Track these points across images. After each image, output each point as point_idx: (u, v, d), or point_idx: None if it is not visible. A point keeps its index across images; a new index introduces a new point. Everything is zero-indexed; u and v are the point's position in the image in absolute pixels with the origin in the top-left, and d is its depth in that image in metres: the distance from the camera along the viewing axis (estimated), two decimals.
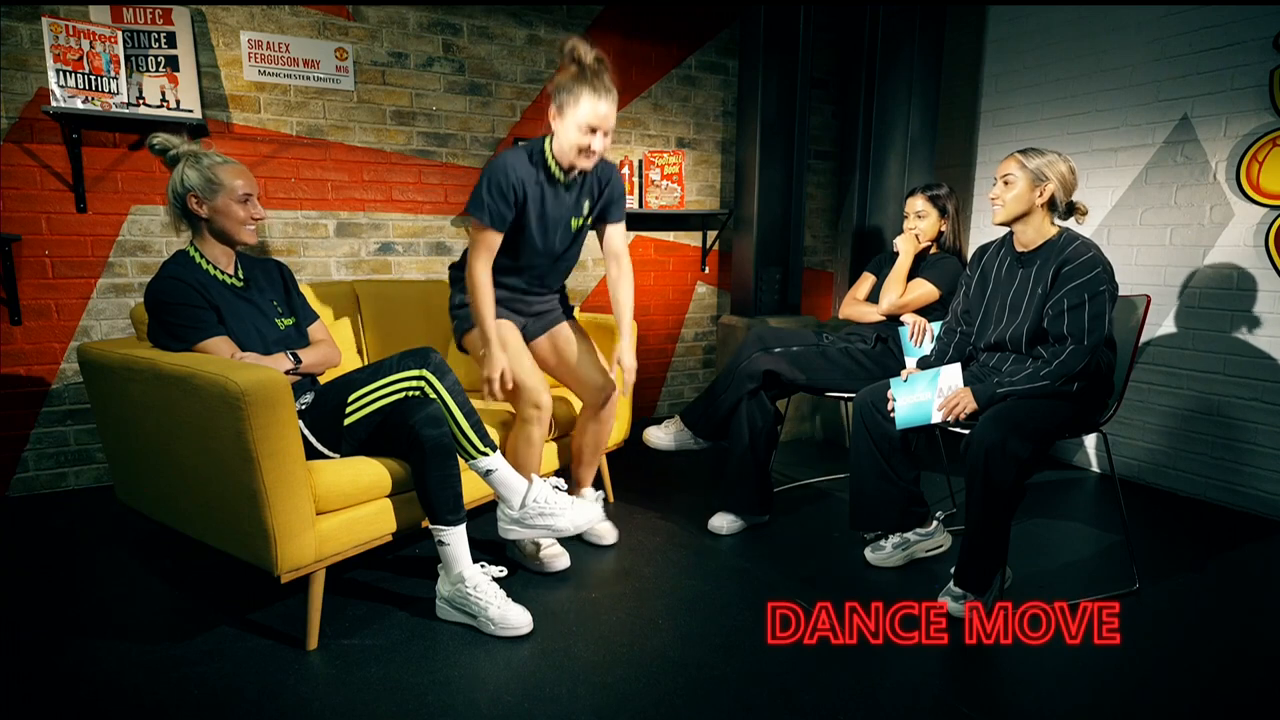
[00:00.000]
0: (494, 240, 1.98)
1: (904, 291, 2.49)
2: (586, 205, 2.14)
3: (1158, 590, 2.07)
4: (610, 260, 2.26)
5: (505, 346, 2.02)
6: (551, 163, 2.00)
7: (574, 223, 2.13)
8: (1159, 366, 2.95)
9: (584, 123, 1.89)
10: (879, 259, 2.78)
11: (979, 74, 3.61)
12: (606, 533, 2.36)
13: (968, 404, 1.92)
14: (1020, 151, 1.98)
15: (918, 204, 2.57)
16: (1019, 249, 2.04)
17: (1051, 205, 1.97)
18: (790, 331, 2.53)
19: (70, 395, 2.71)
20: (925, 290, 2.47)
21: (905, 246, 2.56)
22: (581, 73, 1.88)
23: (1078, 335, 1.86)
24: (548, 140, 2.01)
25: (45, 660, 1.67)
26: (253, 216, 1.84)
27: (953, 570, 1.93)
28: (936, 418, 1.96)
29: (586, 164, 1.96)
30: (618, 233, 2.23)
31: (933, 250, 2.60)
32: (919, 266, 2.57)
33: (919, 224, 2.56)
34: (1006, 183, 1.97)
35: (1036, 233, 1.99)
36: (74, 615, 1.87)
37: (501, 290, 2.11)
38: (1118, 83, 3.03)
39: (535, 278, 2.17)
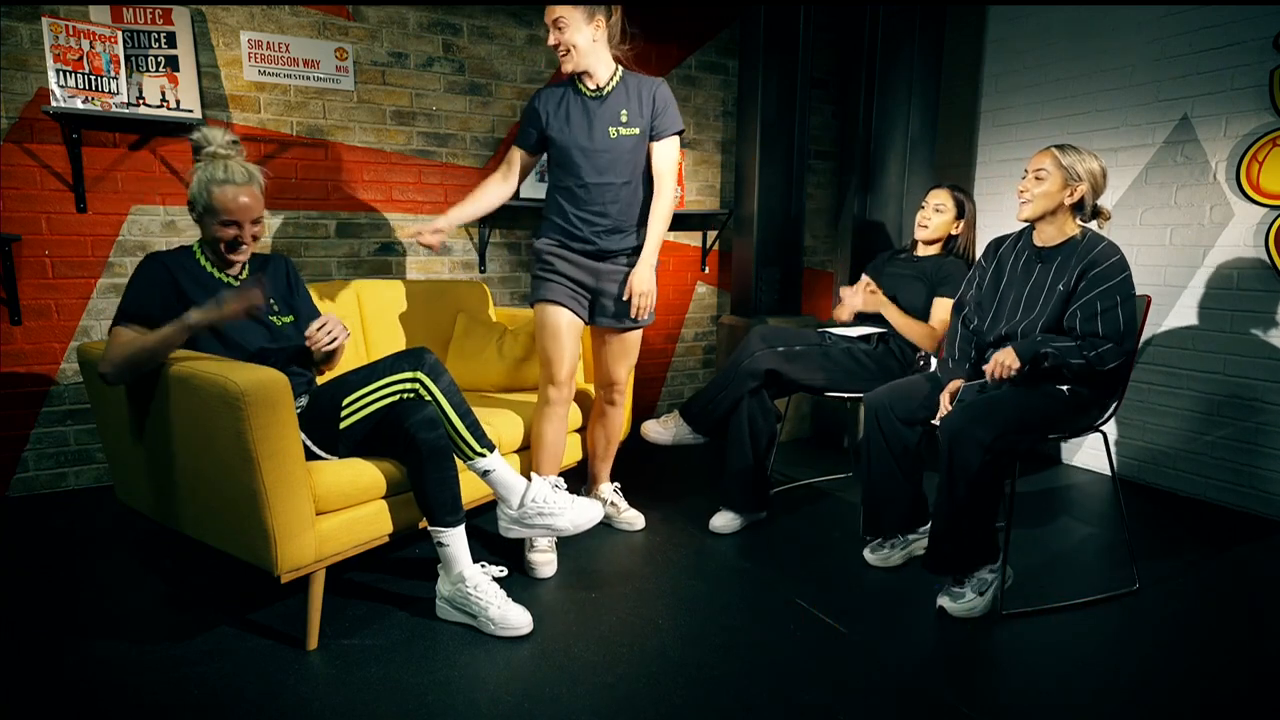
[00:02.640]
0: (513, 155, 2.21)
1: (931, 327, 2.44)
2: (625, 114, 2.10)
3: (1158, 590, 2.07)
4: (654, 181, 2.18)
5: (548, 323, 2.13)
6: (578, 82, 2.13)
7: (612, 131, 2.09)
8: (1159, 366, 2.96)
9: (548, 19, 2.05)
10: (874, 265, 2.75)
11: (979, 74, 3.61)
12: (635, 520, 2.48)
13: (1011, 362, 1.89)
14: (1057, 147, 1.96)
15: (940, 196, 2.52)
16: (1038, 244, 2.04)
17: (1078, 206, 1.96)
18: (792, 331, 2.52)
19: (70, 395, 2.71)
20: (948, 305, 2.40)
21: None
22: None
23: (1114, 336, 1.86)
24: None
25: (45, 660, 1.67)
26: (238, 238, 1.77)
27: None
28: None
29: (566, 66, 2.08)
30: (660, 149, 2.15)
31: (935, 251, 2.57)
32: (927, 274, 2.51)
33: (934, 217, 2.51)
34: (1039, 178, 1.96)
35: (1059, 231, 1.99)
36: (74, 615, 1.87)
37: (562, 253, 2.15)
38: (1118, 83, 3.03)
39: (593, 208, 2.12)
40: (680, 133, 2.19)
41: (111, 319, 1.78)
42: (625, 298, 2.18)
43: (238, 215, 1.76)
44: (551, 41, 2.06)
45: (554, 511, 1.89)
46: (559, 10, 2.01)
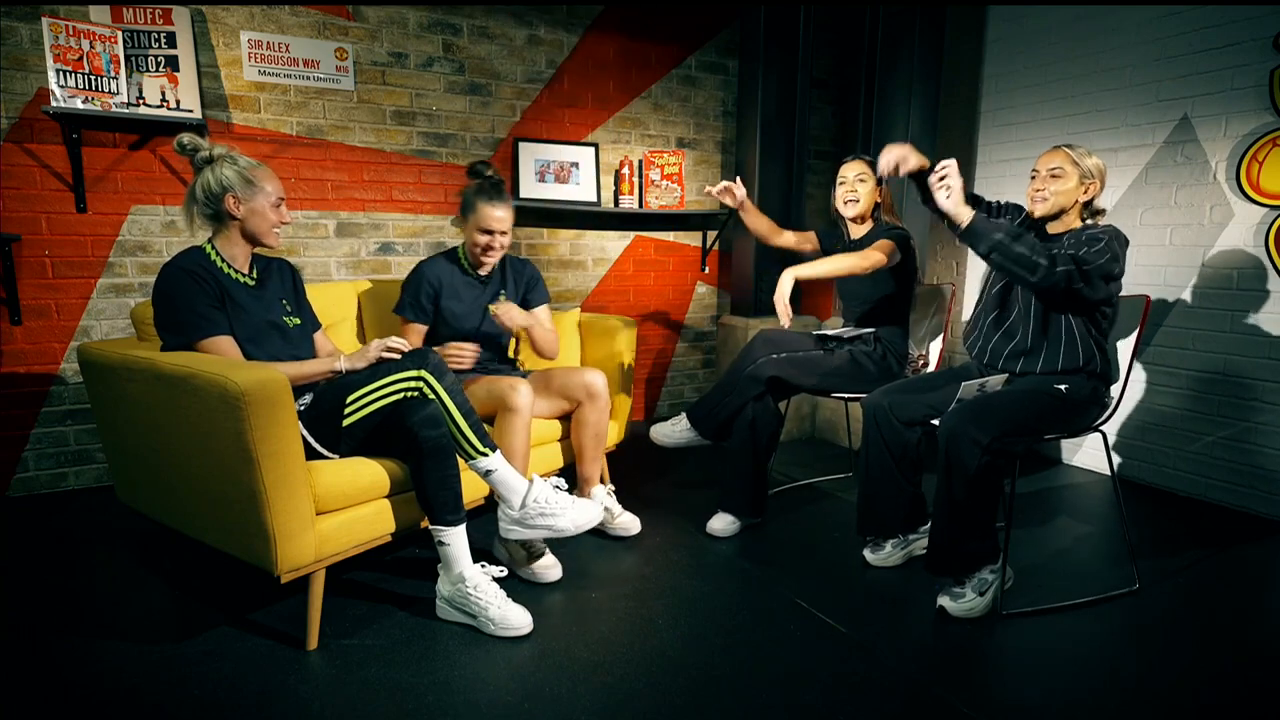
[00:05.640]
0: (411, 333, 2.35)
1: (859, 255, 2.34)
2: (501, 295, 2.41)
3: (1158, 590, 2.07)
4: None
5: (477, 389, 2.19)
6: (465, 262, 2.38)
7: (492, 309, 2.31)
8: (1159, 366, 2.95)
9: (482, 225, 2.23)
10: (824, 229, 2.73)
11: (979, 74, 3.61)
12: (631, 524, 2.42)
13: (910, 157, 1.93)
14: (1067, 146, 1.98)
15: (859, 166, 2.48)
16: (1050, 232, 2.07)
17: (1087, 204, 2.00)
18: (794, 336, 2.52)
19: (70, 395, 2.71)
20: (885, 246, 2.35)
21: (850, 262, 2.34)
22: (481, 189, 2.23)
23: (1061, 258, 1.83)
24: (460, 247, 2.40)
25: (45, 660, 1.67)
26: (282, 220, 1.87)
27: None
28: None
29: (488, 260, 2.32)
30: (541, 314, 2.48)
31: (867, 228, 2.52)
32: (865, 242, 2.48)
33: (860, 187, 2.47)
34: (1055, 175, 1.97)
35: (1064, 227, 2.03)
36: (74, 615, 1.87)
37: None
38: (1118, 83, 3.03)
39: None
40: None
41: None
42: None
43: (283, 192, 1.87)
44: (499, 244, 2.28)
45: (555, 512, 1.88)
46: (509, 221, 2.27)
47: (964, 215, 1.87)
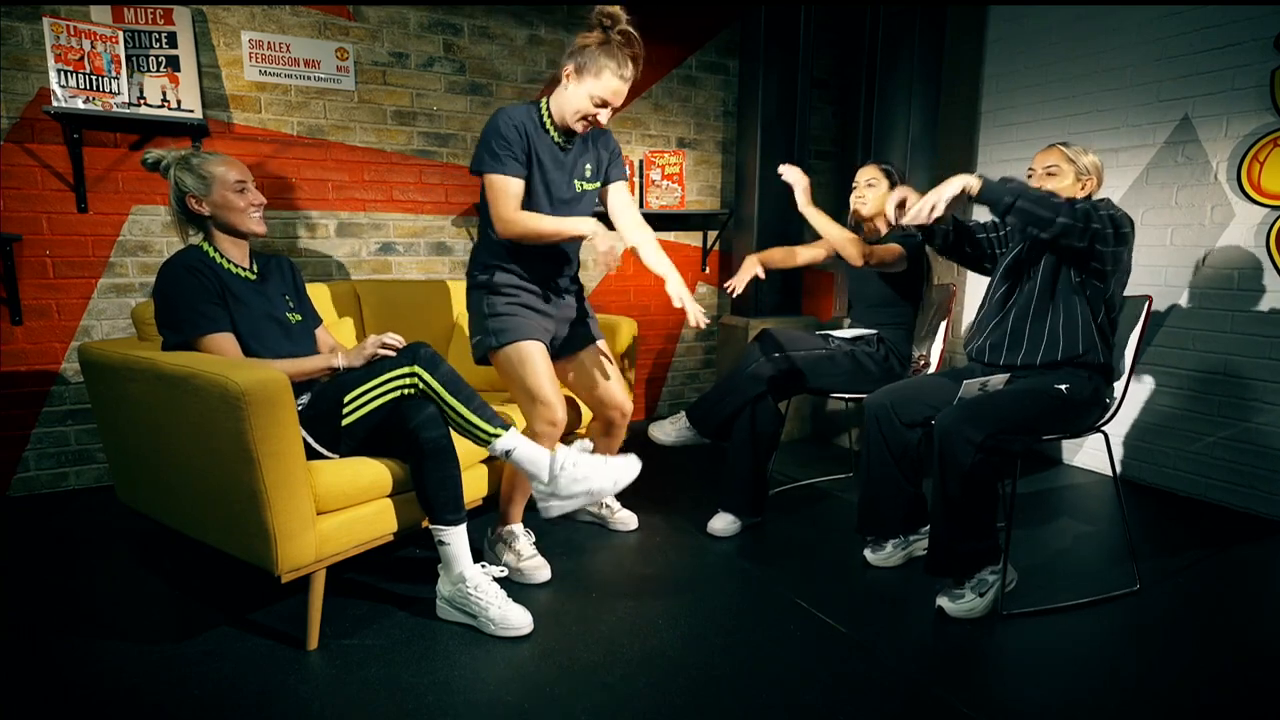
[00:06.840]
0: (517, 188, 1.92)
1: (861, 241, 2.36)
2: (589, 169, 2.09)
3: (1158, 590, 2.07)
4: (620, 218, 2.14)
5: (528, 360, 1.98)
6: (548, 123, 1.99)
7: (578, 185, 2.07)
8: (1159, 367, 2.95)
9: (599, 95, 1.88)
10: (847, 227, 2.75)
11: (979, 74, 3.61)
12: (629, 520, 2.46)
13: (944, 191, 1.77)
14: (1062, 144, 1.99)
15: (870, 172, 2.54)
16: None
17: (1086, 199, 2.00)
18: (796, 335, 2.52)
19: (71, 395, 2.71)
20: (893, 250, 2.38)
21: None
22: (608, 43, 1.86)
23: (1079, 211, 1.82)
24: (545, 101, 2.00)
25: (45, 660, 1.67)
26: (253, 203, 1.84)
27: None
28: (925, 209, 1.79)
29: (581, 130, 1.96)
30: (620, 190, 2.16)
31: (883, 231, 2.54)
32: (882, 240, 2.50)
33: (868, 192, 2.52)
34: (1050, 173, 1.98)
35: None
36: (74, 615, 1.87)
37: (522, 285, 2.06)
38: (1118, 83, 3.03)
39: (550, 255, 2.10)
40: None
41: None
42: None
43: (244, 174, 1.84)
44: (605, 119, 1.95)
45: (588, 475, 1.80)
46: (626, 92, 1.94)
47: (972, 182, 1.78)
